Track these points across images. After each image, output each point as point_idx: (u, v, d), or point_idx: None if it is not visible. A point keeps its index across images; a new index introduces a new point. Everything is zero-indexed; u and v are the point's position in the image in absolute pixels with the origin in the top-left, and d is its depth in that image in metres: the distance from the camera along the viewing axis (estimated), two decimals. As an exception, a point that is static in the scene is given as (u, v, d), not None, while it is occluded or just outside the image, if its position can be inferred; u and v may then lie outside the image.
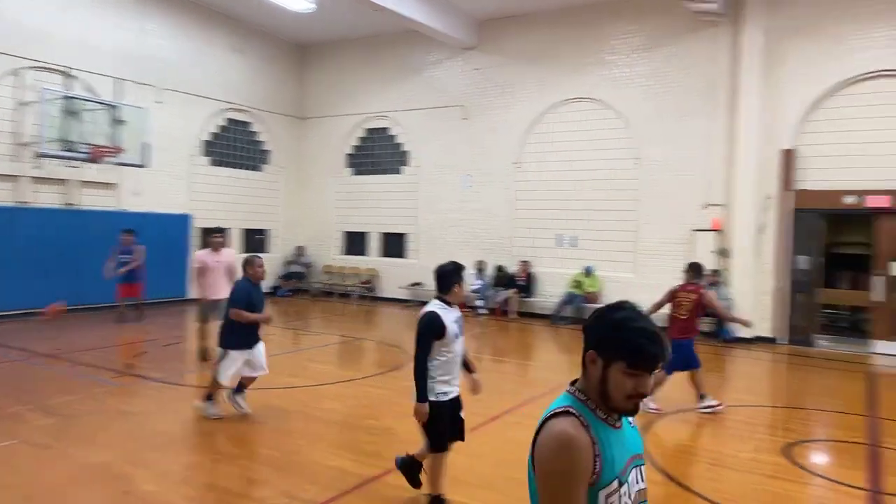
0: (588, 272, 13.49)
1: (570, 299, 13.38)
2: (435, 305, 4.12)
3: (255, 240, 17.07)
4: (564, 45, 14.25)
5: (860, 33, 11.37)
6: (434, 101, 15.99)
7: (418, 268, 15.83)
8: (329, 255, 17.71)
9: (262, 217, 17.39)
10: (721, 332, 11.89)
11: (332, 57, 17.81)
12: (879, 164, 11.11)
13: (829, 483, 5.20)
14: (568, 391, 1.82)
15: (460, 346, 4.18)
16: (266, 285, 15.76)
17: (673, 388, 7.18)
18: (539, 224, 14.50)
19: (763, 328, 11.88)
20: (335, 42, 17.62)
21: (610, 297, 13.35)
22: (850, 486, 5.03)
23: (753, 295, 12.02)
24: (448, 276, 4.15)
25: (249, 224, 16.89)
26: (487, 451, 5.45)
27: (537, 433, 1.75)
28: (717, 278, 12.04)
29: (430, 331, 4.01)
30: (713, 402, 7.00)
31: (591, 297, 13.31)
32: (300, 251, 17.80)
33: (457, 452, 5.41)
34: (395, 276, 16.38)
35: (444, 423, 4.12)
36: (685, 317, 7.08)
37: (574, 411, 1.73)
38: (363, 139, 17.44)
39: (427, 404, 4.02)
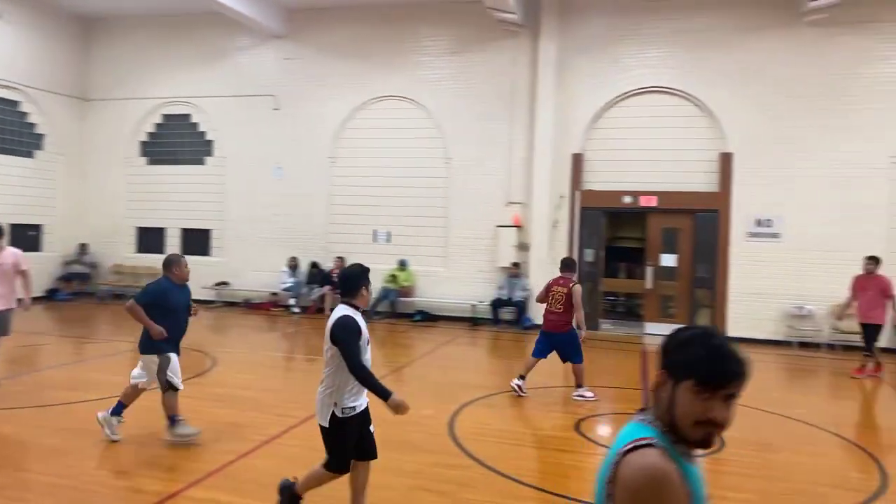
0: (403, 266, 13.75)
1: (385, 294, 13.53)
2: (346, 310, 3.85)
3: (27, 237, 14.77)
4: (377, 42, 14.35)
5: (636, 54, 12.95)
6: (242, 88, 15.17)
7: (224, 266, 14.95)
8: (119, 253, 16.00)
9: (35, 211, 15.17)
10: (522, 320, 12.83)
11: (124, 34, 16.07)
12: (649, 168, 12.76)
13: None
14: (639, 420, 1.63)
15: (369, 353, 3.90)
16: (40, 287, 13.91)
17: (478, 374, 7.58)
18: (354, 220, 14.45)
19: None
20: (127, 17, 15.92)
21: (423, 290, 13.77)
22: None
23: (549, 286, 13.17)
24: (355, 279, 3.91)
25: (18, 218, 14.58)
26: (299, 453, 5.30)
27: (614, 466, 1.55)
28: (517, 270, 12.99)
29: (353, 333, 3.73)
30: (587, 394, 7.46)
31: (406, 292, 13.62)
32: (83, 249, 15.85)
33: (265, 457, 5.21)
34: (197, 276, 15.11)
35: (350, 442, 3.80)
36: (559, 310, 7.43)
37: (657, 443, 1.54)
38: (160, 126, 15.99)
39: (396, 396, 3.68)
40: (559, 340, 7.51)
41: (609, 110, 13.11)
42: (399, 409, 3.69)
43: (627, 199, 12.94)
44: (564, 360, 7.68)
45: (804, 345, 11.79)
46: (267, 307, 14.33)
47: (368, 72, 14.39)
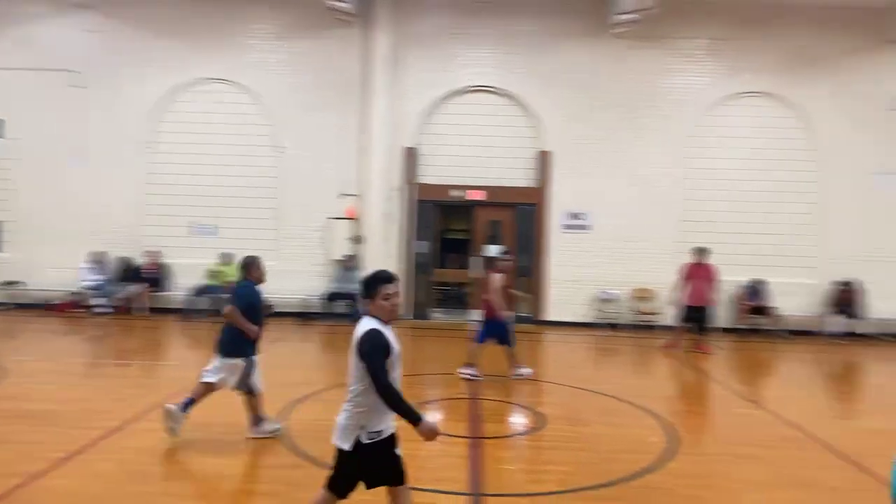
0: (227, 260, 13.01)
1: (205, 290, 12.72)
2: (371, 322, 3.35)
3: None
4: (199, 20, 13.40)
5: (466, 52, 13.43)
6: (38, 62, 13.34)
7: (16, 263, 13.12)
8: None
9: None
10: (355, 313, 12.79)
11: None
12: (478, 163, 13.35)
13: (441, 437, 6.03)
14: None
15: (399, 370, 3.46)
16: None
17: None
18: (173, 211, 13.39)
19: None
20: None
21: (251, 285, 13.13)
22: (456, 436, 5.93)
23: (383, 278, 13.28)
24: (368, 285, 3.39)
25: None
26: (109, 468, 4.81)
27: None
28: (352, 263, 12.91)
29: (381, 349, 3.28)
30: (524, 370, 8.32)
31: (231, 287, 12.89)
32: None
33: (64, 477, 4.65)
34: (-19, 273, 13.23)
35: (367, 469, 3.38)
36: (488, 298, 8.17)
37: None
38: (-72, 98, 13.57)
39: (427, 420, 3.26)
40: (490, 323, 8.29)
41: (441, 106, 13.48)
42: (431, 435, 3.29)
43: (456, 193, 13.43)
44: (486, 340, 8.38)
45: (609, 326, 13.10)
46: (65, 308, 12.77)
47: (189, 52, 13.39)
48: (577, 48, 13.37)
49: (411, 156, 13.39)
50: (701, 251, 10.90)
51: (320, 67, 13.43)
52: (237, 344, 5.51)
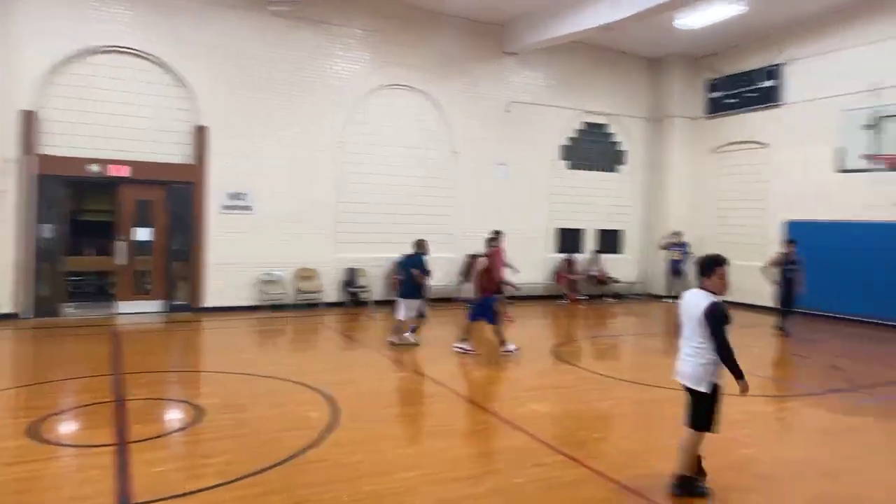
0: None
1: None
2: (708, 296, 4.43)
3: None
4: None
5: (105, 7, 11.59)
6: None
7: None
8: None
9: None
10: None
11: None
12: (120, 135, 11.75)
13: (78, 449, 5.19)
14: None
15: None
16: None
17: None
18: None
19: (3, 304, 10.92)
20: None
21: None
22: (97, 445, 5.16)
23: (-7, 268, 10.82)
24: (708, 264, 4.49)
25: None
26: None
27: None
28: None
29: (725, 318, 4.36)
30: (511, 347, 9.22)
31: None
32: None
33: None
34: None
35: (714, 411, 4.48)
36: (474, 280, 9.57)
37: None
38: None
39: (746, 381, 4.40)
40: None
41: (71, 65, 11.43)
42: (746, 390, 4.39)
43: (94, 168, 11.63)
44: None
45: (274, 307, 13.01)
46: None
47: None
48: (237, 21, 12.72)
49: (30, 121, 11.10)
50: (496, 233, 11.79)
51: None
52: (415, 289, 9.57)
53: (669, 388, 7.77)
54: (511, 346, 9.30)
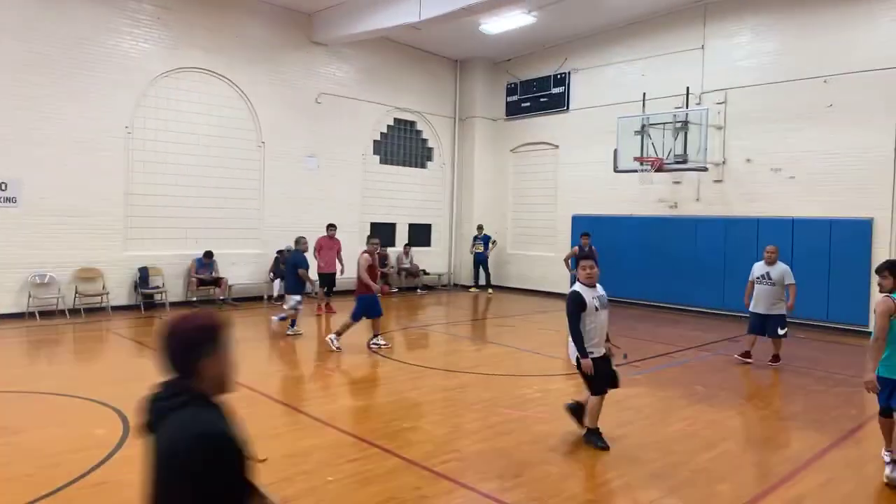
0: None
1: None
2: (576, 286, 5.56)
3: None
4: None
5: None
6: None
7: None
8: None
9: None
10: None
11: None
12: None
13: None
14: None
15: (602, 318, 5.48)
16: None
17: None
18: None
19: None
20: None
21: None
22: None
23: None
24: (574, 260, 5.82)
25: None
26: None
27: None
28: None
29: (570, 305, 5.43)
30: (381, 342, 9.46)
31: None
32: None
33: None
34: None
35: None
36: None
37: None
38: None
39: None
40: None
41: None
42: (589, 368, 5.42)
43: None
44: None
45: (47, 314, 11.42)
46: None
47: None
48: (-9, -19, 10.88)
49: None
50: (331, 227, 12.89)
51: None
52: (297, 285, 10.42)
53: (476, 374, 8.23)
54: (382, 342, 9.59)
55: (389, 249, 16.90)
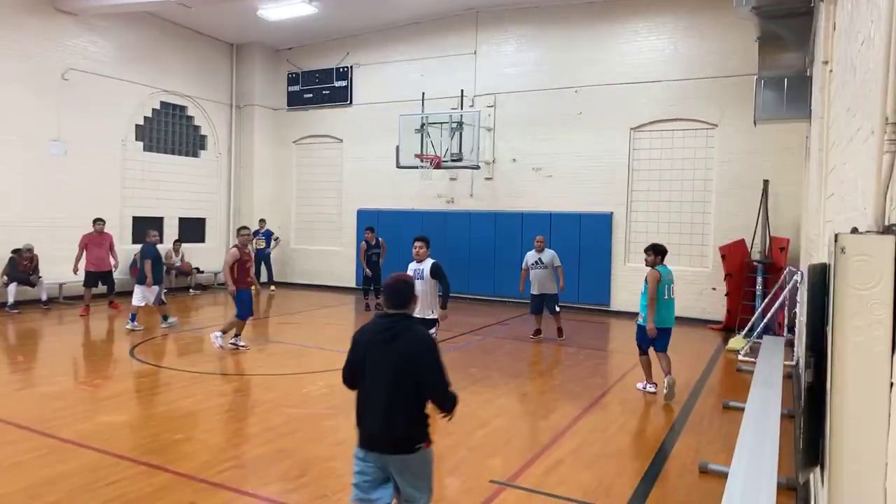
0: None
1: None
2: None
3: None
4: None
5: None
6: None
7: None
8: None
9: None
10: None
11: None
12: None
13: None
14: None
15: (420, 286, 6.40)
16: None
17: None
18: None
19: None
20: None
21: None
22: None
23: None
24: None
25: None
26: None
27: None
28: None
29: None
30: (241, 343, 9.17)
31: None
32: None
33: None
34: None
35: None
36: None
37: None
38: None
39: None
40: None
41: None
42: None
43: None
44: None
45: None
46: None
47: None
48: None
49: None
50: (99, 221, 12.03)
51: None
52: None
53: (257, 375, 7.87)
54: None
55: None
